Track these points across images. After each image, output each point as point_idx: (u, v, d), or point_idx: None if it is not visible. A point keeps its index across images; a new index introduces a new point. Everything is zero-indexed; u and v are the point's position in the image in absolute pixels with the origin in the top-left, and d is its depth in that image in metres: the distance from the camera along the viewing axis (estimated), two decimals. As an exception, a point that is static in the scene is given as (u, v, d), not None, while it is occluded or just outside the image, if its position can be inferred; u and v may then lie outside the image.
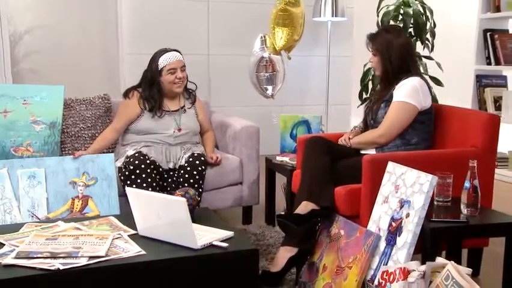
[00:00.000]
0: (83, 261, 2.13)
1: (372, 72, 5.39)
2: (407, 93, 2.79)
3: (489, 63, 5.16)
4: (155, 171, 3.15)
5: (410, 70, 2.89)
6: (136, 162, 3.09)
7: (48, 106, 3.27)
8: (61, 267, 2.06)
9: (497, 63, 5.09)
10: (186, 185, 3.18)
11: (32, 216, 2.93)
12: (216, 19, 5.86)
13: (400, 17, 5.31)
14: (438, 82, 5.03)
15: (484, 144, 2.66)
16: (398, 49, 2.88)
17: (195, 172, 3.19)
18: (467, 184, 2.27)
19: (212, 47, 5.82)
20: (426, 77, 4.93)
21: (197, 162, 3.21)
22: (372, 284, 2.27)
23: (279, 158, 3.42)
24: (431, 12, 5.26)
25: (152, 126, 3.30)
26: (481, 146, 2.65)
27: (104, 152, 3.27)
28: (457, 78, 5.26)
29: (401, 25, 5.19)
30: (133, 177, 3.09)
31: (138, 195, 2.40)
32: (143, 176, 3.09)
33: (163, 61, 3.28)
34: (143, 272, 2.18)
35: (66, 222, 2.61)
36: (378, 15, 5.44)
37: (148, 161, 3.12)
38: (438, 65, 4.84)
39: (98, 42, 5.62)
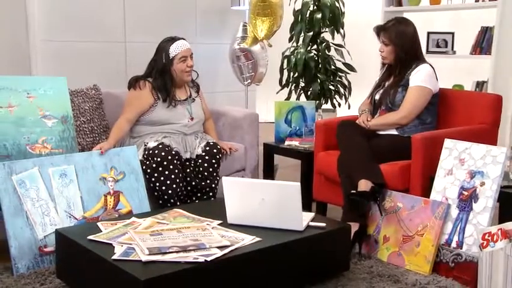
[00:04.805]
0: (218, 252, 2.13)
1: (294, 60, 5.72)
2: (424, 78, 3.12)
3: (395, 51, 5.75)
4: (179, 162, 3.11)
5: (419, 57, 3.22)
6: (163, 154, 3.03)
7: (54, 99, 3.03)
8: (208, 259, 2.05)
9: (402, 51, 5.70)
10: (206, 174, 3.20)
11: (70, 217, 2.74)
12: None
13: (313, 7, 5.69)
14: (351, 68, 5.53)
15: (492, 121, 3.09)
16: (410, 38, 3.18)
17: (213, 161, 3.22)
18: (516, 154, 2.67)
19: (129, 34, 5.63)
20: (339, 64, 5.48)
21: (214, 150, 3.23)
22: (449, 246, 2.57)
23: (287, 143, 3.56)
24: (343, 4, 5.71)
25: (167, 116, 3.24)
26: (490, 122, 3.09)
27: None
28: (368, 65, 5.78)
29: (319, 15, 5.59)
30: (160, 169, 3.03)
31: (237, 184, 2.43)
32: (171, 167, 3.04)
33: (174, 50, 3.23)
34: (265, 256, 2.25)
35: (139, 218, 2.53)
36: (292, 5, 5.74)
37: (173, 152, 3.07)
38: (349, 52, 5.37)
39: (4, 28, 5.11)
